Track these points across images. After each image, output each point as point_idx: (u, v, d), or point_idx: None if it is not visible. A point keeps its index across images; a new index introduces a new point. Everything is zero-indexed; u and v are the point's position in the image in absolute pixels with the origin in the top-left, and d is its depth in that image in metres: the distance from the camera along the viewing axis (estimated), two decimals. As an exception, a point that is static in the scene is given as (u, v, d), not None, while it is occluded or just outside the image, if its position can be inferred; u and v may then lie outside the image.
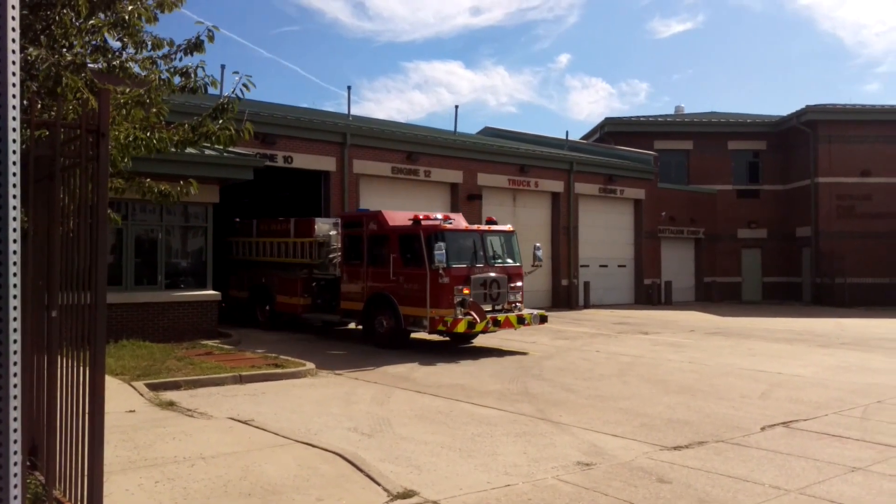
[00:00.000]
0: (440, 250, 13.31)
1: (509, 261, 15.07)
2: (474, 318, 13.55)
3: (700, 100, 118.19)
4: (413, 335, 15.08)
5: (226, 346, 14.06)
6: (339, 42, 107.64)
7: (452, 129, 28.76)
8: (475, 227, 15.29)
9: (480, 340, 15.70)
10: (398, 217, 15.30)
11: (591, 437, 7.63)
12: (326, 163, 20.82)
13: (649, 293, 29.34)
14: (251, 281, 18.56)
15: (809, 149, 31.75)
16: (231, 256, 19.32)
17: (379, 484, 5.82)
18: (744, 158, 34.59)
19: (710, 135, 34.28)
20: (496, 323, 13.95)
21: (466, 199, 23.88)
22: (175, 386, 10.05)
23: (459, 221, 15.85)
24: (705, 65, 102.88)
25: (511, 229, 15.75)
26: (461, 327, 13.49)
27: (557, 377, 11.52)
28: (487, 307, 14.13)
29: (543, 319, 15.08)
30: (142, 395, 9.34)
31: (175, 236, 16.31)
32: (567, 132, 32.33)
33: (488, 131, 35.25)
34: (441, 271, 13.53)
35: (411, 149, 22.79)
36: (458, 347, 15.14)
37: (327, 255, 16.58)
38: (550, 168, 26.99)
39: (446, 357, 13.66)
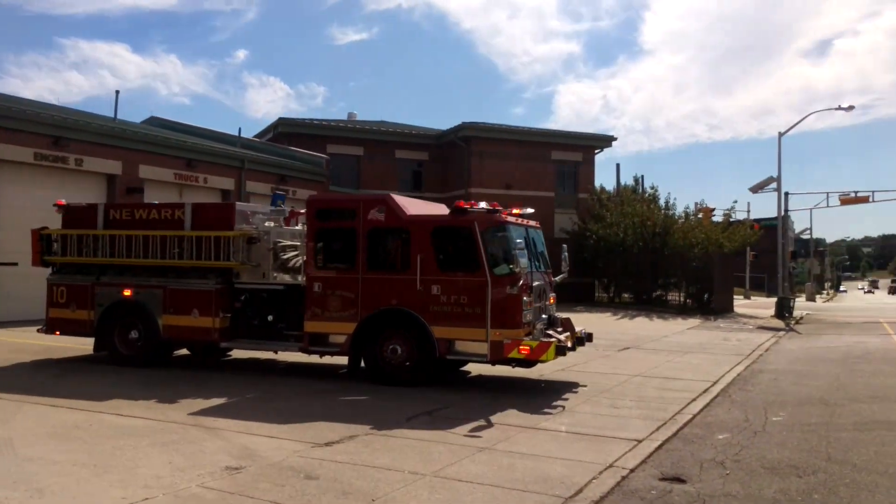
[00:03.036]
0: (521, 249, 10.28)
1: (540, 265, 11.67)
2: (562, 342, 10.58)
3: (373, 108, 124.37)
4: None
5: None
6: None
7: (113, 115, 26.43)
8: (521, 220, 11.45)
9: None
10: (413, 205, 11.60)
11: (244, 440, 7.49)
12: (-53, 143, 17.73)
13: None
14: (103, 295, 12.64)
15: (464, 162, 35.04)
16: (50, 258, 13.19)
17: (-14, 514, 5.07)
18: (409, 167, 37.10)
19: (379, 142, 36.14)
20: (569, 348, 11.03)
21: (125, 191, 22.06)
22: None
23: (435, 210, 12.33)
24: (379, 75, 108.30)
25: (539, 225, 12.36)
26: (550, 354, 10.20)
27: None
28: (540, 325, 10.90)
29: (589, 338, 12.24)
30: None
31: None
32: (240, 129, 31.61)
33: (155, 121, 33.09)
34: (523, 278, 10.37)
35: (60, 133, 20.40)
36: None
37: (274, 256, 12.10)
38: (221, 164, 26.15)
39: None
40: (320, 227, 11.47)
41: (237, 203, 12.75)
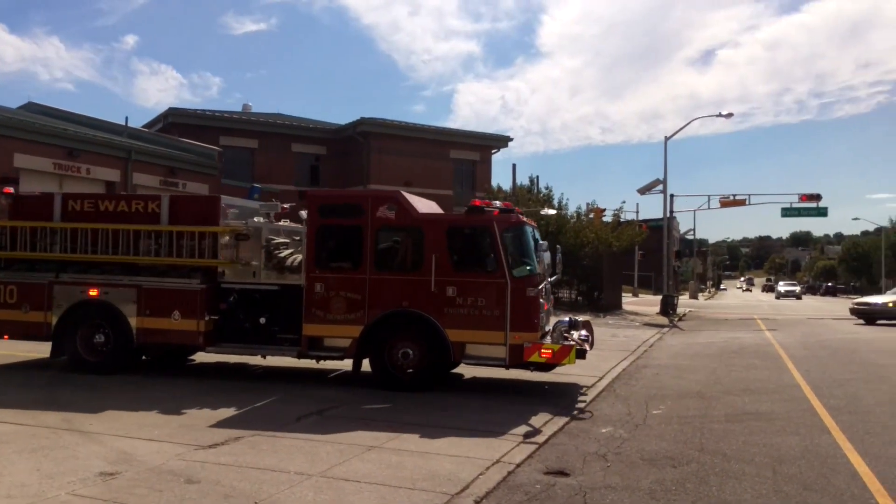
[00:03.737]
0: (545, 250, 10.04)
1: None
2: (580, 345, 10.28)
3: (270, 100, 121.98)
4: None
5: None
6: None
7: (-17, 99, 24.75)
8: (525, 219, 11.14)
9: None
10: (417, 203, 10.97)
11: (122, 444, 7.16)
12: None
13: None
14: (62, 294, 11.39)
15: (363, 157, 34.83)
16: None
17: None
18: (306, 161, 36.54)
19: (275, 135, 35.43)
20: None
21: (-2, 181, 20.68)
22: None
23: (434, 208, 11.81)
24: (276, 67, 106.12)
25: (535, 224, 12.01)
26: (571, 358, 9.86)
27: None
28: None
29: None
30: None
31: None
32: (127, 118, 30.18)
33: (33, 107, 31.16)
34: (540, 279, 10.07)
35: (-78, 117, 18.93)
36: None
37: (267, 254, 11.21)
38: (106, 154, 24.98)
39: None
40: (323, 224, 10.85)
41: (222, 197, 12.03)
